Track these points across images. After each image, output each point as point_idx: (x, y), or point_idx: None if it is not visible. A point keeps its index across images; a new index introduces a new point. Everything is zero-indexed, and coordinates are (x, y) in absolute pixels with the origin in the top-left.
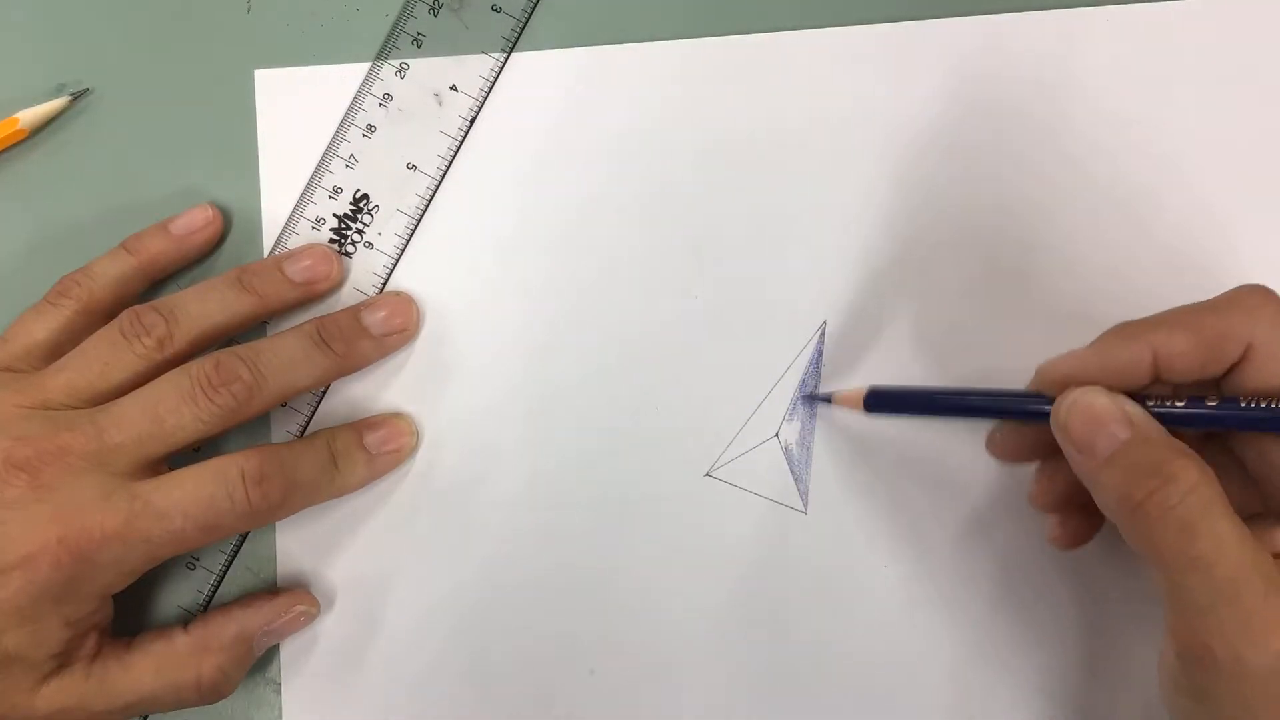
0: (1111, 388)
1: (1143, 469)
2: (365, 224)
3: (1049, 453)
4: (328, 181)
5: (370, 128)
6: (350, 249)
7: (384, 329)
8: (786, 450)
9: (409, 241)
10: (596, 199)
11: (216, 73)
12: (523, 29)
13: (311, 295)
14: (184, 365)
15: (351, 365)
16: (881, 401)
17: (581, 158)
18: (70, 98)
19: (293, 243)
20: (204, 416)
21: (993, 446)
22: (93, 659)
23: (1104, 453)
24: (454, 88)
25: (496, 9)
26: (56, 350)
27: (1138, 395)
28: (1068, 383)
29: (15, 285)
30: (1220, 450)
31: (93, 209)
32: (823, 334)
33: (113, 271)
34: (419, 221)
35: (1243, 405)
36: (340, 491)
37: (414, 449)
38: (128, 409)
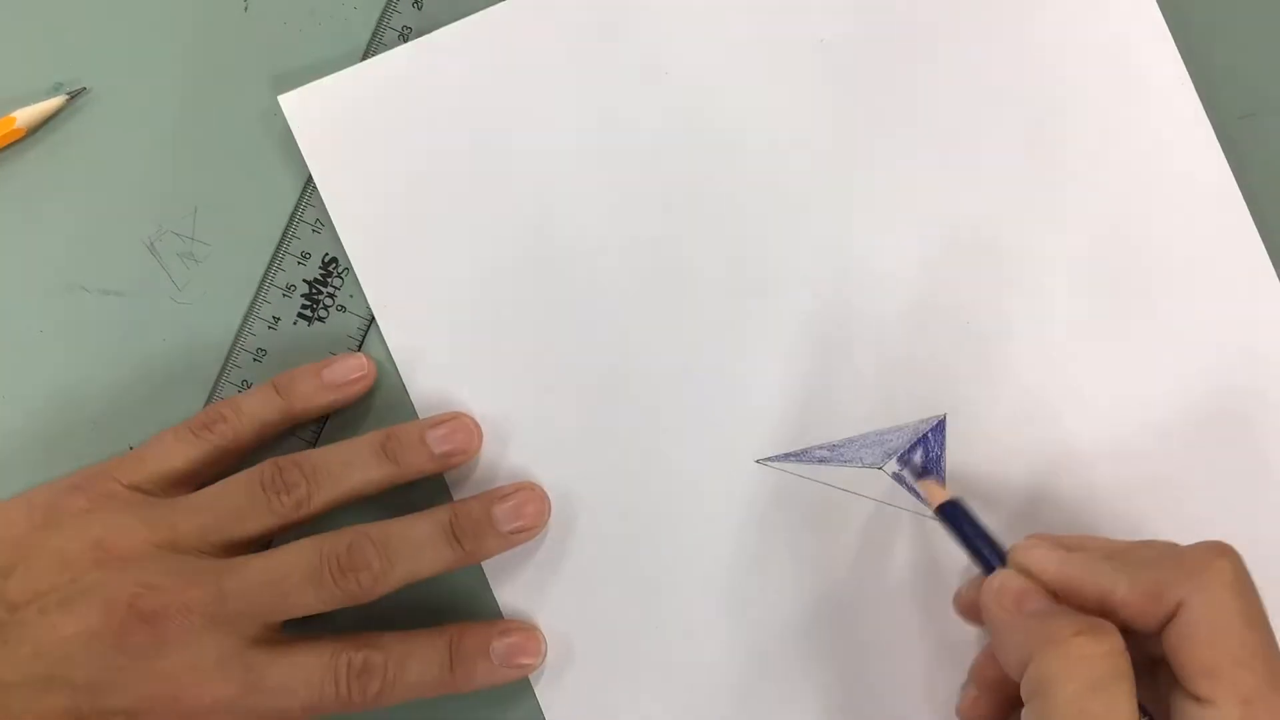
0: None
1: (1070, 617)
2: (336, 287)
3: None
4: (295, 247)
5: None
6: (323, 313)
7: (513, 525)
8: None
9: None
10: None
11: (213, 72)
12: None
13: (449, 468)
14: (316, 539)
15: (475, 560)
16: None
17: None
18: (67, 96)
19: (264, 310)
20: (325, 598)
21: (956, 602)
22: None
23: (1027, 607)
24: None
25: None
26: (191, 480)
27: None
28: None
29: (12, 285)
30: None
31: (90, 208)
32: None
33: (261, 412)
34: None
35: None
36: (452, 691)
37: (540, 664)
38: (253, 576)
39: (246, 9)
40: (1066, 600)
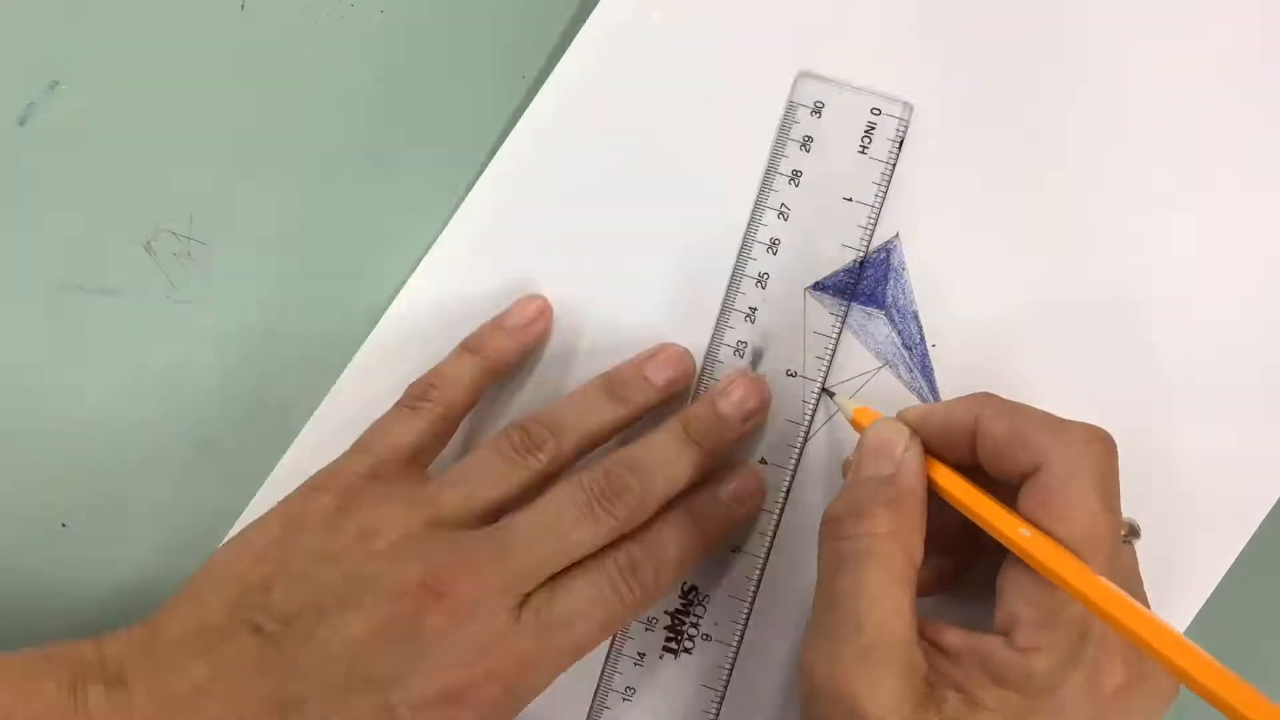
0: (939, 451)
1: (858, 499)
2: None
3: None
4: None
5: None
6: None
7: (741, 413)
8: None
9: None
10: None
11: (209, 71)
12: None
13: (672, 398)
14: (573, 478)
15: (717, 458)
16: None
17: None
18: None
19: None
20: (601, 530)
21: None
22: None
23: (862, 471)
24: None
25: None
26: (419, 454)
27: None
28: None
29: (8, 285)
30: None
31: (86, 208)
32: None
33: (463, 375)
34: None
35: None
36: (709, 552)
37: (763, 501)
38: (529, 528)
39: (243, 8)
40: (942, 441)
